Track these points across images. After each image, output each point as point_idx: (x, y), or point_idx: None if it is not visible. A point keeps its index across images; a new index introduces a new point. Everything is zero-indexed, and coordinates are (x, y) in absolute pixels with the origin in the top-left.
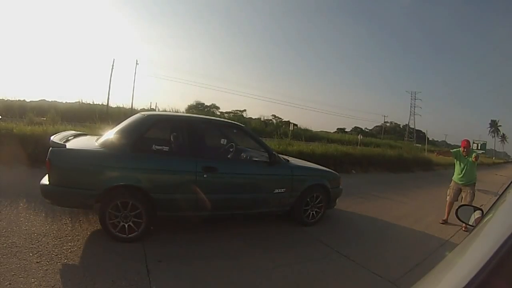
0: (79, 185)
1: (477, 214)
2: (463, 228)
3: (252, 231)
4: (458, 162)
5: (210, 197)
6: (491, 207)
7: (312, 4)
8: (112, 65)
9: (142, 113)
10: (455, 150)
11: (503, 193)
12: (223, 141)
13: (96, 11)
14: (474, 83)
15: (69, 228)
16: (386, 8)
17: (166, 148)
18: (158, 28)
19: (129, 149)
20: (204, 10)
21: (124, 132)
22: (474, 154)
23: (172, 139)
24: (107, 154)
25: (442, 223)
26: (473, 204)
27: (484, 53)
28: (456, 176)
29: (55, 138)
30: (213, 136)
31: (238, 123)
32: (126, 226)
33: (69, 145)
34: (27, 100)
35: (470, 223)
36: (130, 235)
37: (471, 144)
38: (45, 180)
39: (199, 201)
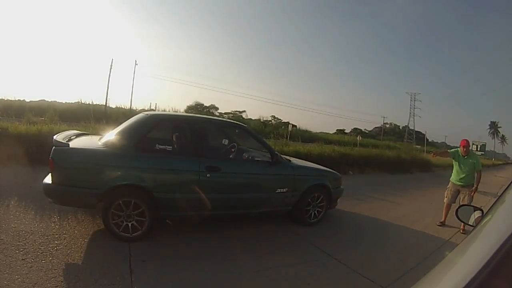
0: (82, 184)
1: (477, 214)
2: (461, 230)
3: (244, 232)
4: (456, 162)
5: (213, 196)
6: (490, 207)
7: (312, 4)
8: (111, 65)
9: (145, 113)
10: (453, 150)
11: (502, 194)
12: (225, 141)
13: (96, 11)
14: (474, 84)
15: (57, 226)
16: (385, 9)
17: (169, 148)
18: (157, 29)
19: (132, 149)
20: (204, 11)
21: (127, 132)
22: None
23: (175, 139)
24: (110, 154)
25: (439, 225)
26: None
27: (483, 54)
28: (454, 177)
29: (58, 137)
30: (216, 136)
31: (240, 123)
32: (130, 225)
33: (72, 144)
34: (27, 100)
35: (470, 223)
36: (134, 234)
37: (470, 145)
38: (48, 179)
39: (202, 200)
